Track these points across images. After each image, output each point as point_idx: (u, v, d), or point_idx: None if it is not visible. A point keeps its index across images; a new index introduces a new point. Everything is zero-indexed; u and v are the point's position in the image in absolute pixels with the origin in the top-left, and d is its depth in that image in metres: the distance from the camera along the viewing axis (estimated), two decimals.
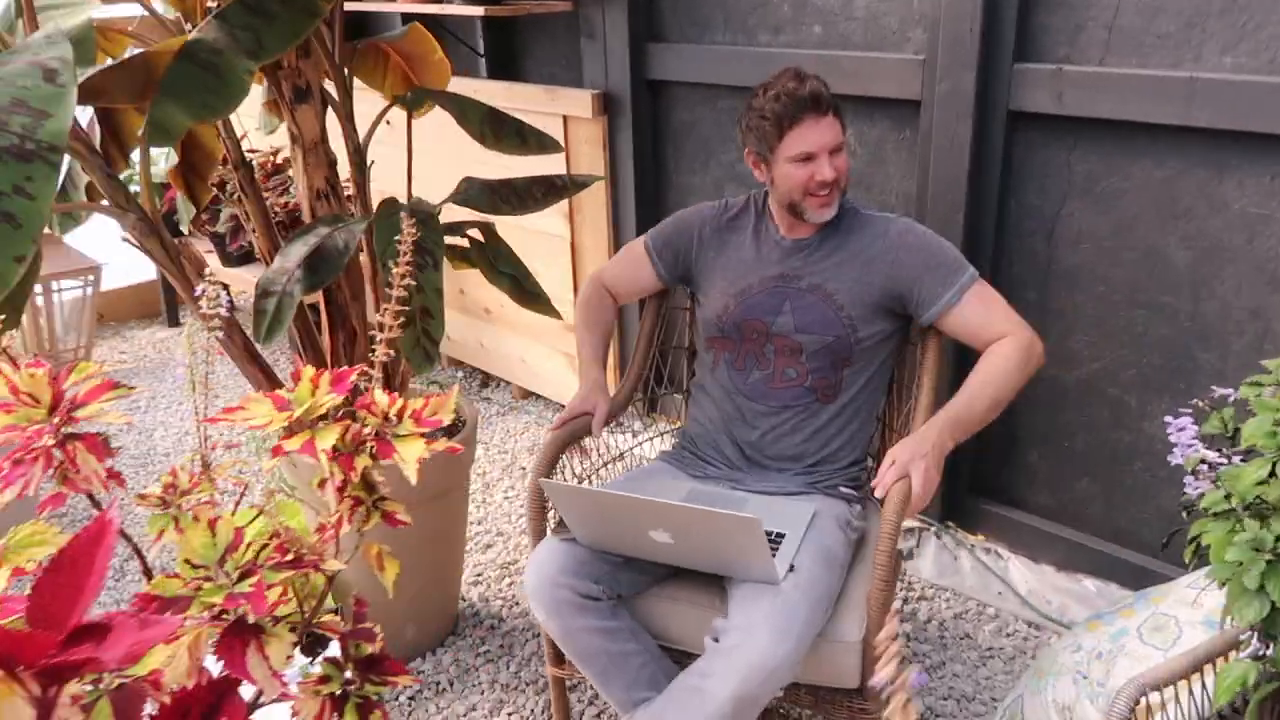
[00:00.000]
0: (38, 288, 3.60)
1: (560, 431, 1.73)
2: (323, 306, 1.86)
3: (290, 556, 0.63)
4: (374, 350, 0.84)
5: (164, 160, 2.83)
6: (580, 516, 1.49)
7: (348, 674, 0.67)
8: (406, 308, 1.45)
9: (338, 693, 0.66)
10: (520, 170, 1.98)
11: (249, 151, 2.50)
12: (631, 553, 1.53)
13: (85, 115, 1.87)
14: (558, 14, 2.69)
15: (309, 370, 0.71)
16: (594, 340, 1.90)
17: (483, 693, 1.98)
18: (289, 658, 0.61)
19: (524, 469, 2.82)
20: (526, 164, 2.11)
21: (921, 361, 1.81)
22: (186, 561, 0.62)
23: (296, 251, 1.67)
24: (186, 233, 3.47)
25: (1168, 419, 1.14)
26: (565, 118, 2.68)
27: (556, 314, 1.93)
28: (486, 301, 3.15)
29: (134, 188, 2.03)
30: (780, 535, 1.57)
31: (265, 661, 0.60)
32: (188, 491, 0.70)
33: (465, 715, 1.92)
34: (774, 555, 1.51)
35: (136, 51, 1.51)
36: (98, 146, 1.67)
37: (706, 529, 1.40)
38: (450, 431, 1.98)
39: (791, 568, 1.49)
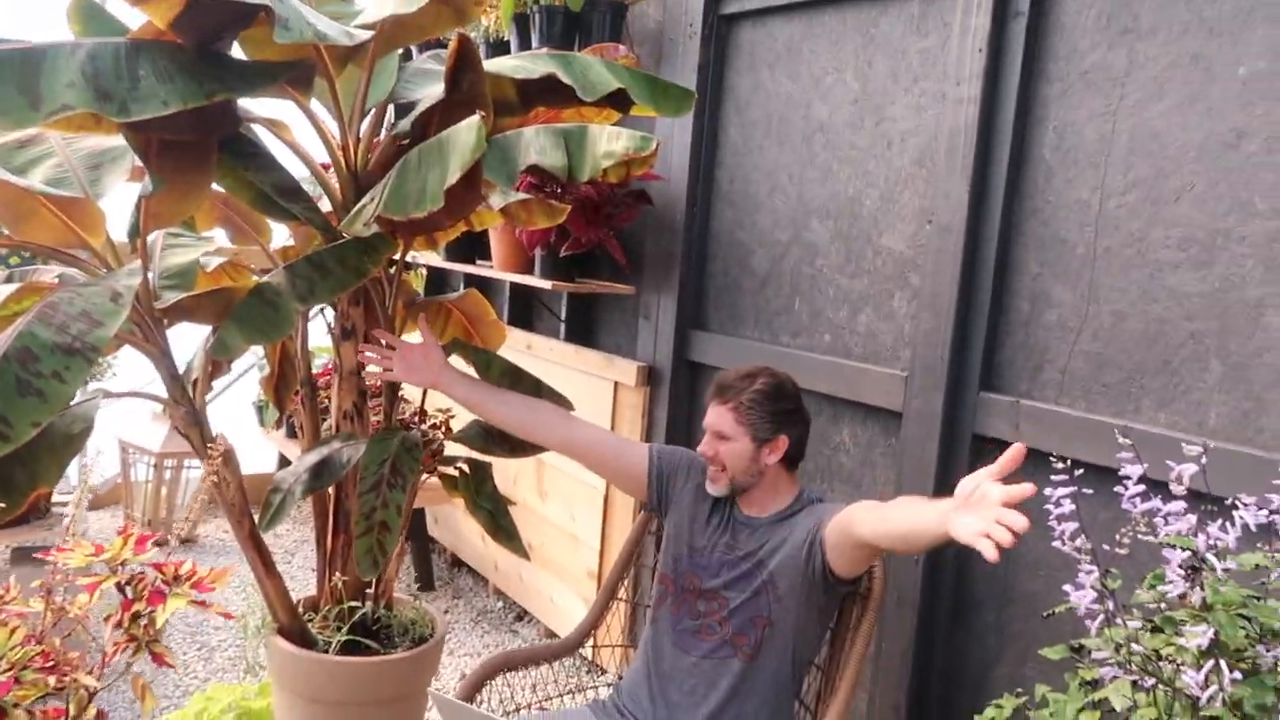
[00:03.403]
0: (169, 463, 4.14)
1: (491, 663, 1.90)
2: (331, 511, 2.14)
3: (50, 664, 0.84)
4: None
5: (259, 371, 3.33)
6: None
7: None
8: (369, 519, 1.71)
9: None
10: None
11: None
12: None
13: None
14: (625, 296, 3.08)
15: (131, 534, 0.96)
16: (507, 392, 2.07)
17: None
18: None
19: None
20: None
21: (850, 644, 1.87)
22: None
23: (308, 459, 1.99)
24: (266, 428, 4.05)
25: None
26: (616, 383, 3.00)
27: (525, 554, 2.13)
28: (530, 538, 3.37)
29: None
30: None
31: None
32: (9, 600, 0.93)
33: None
34: None
35: (221, 287, 1.93)
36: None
37: None
38: (419, 641, 2.16)
39: None
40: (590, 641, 2.12)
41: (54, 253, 1.78)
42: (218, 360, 2.01)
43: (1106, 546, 1.17)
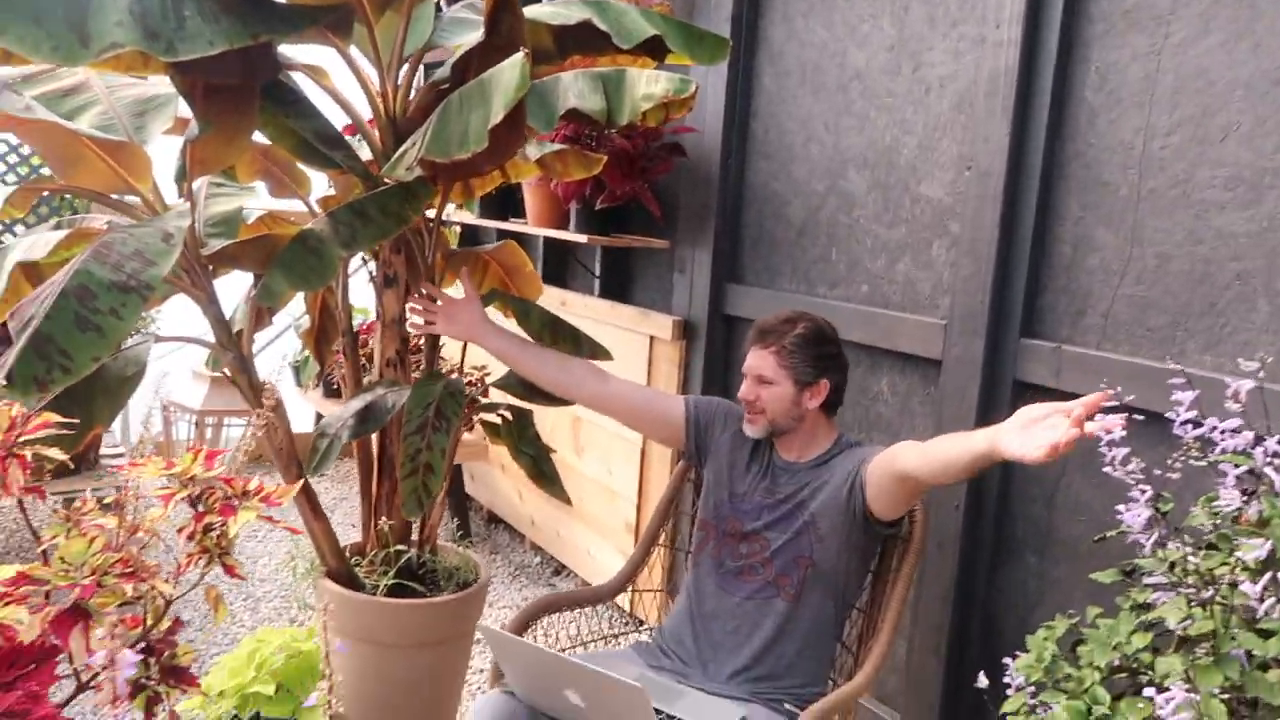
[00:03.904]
0: (210, 420, 4.21)
1: (535, 605, 1.93)
2: (376, 457, 2.17)
3: (129, 570, 0.87)
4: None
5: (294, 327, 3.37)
6: (512, 666, 1.65)
7: (153, 673, 0.89)
8: (415, 460, 1.73)
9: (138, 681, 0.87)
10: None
11: None
12: (556, 714, 1.66)
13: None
14: (660, 250, 3.08)
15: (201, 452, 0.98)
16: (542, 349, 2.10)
17: None
18: (104, 641, 0.84)
19: None
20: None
21: (892, 587, 1.88)
22: (60, 558, 0.87)
23: (354, 405, 2.01)
24: (304, 386, 4.11)
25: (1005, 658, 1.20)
26: (651, 338, 3.01)
27: (566, 499, 2.16)
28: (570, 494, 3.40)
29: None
30: None
31: (85, 637, 0.83)
32: (86, 512, 0.96)
33: None
34: None
35: (264, 234, 1.95)
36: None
37: (604, 694, 1.52)
38: (463, 586, 2.20)
39: None
40: (631, 586, 2.14)
41: (101, 197, 1.80)
42: (261, 308, 2.04)
43: (1159, 471, 1.16)
